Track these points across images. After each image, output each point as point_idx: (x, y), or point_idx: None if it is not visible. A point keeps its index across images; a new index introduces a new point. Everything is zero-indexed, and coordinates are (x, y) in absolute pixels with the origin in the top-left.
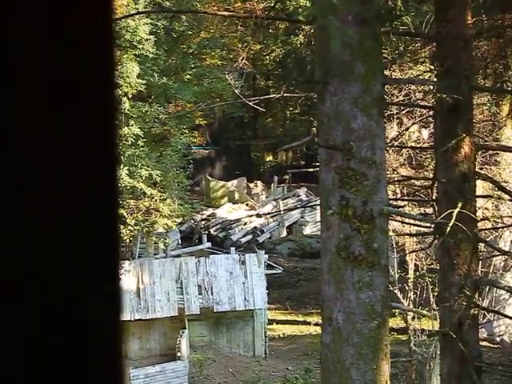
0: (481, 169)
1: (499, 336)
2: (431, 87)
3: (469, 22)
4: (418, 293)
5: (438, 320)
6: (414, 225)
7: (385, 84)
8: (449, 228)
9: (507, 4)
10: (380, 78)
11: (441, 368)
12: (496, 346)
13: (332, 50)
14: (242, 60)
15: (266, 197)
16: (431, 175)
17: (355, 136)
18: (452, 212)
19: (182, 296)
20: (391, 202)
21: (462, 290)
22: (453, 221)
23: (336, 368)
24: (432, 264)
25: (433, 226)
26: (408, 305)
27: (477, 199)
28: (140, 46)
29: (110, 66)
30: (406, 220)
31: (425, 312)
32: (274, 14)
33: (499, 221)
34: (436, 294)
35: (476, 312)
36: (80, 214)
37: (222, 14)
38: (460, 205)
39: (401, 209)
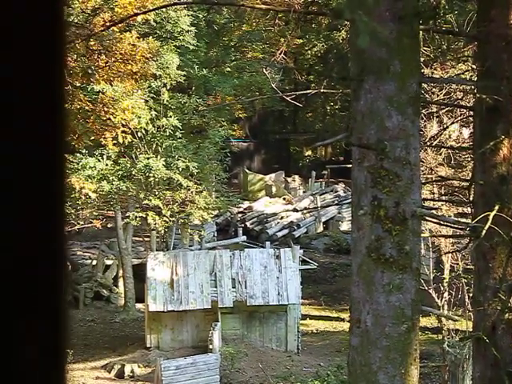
0: None
1: None
2: (472, 87)
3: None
4: (453, 293)
5: (472, 323)
6: (450, 226)
7: (421, 83)
8: (484, 231)
9: None
10: (417, 77)
11: (473, 372)
12: None
13: (360, 46)
14: (280, 54)
15: (304, 191)
16: (470, 175)
17: (389, 135)
18: (488, 215)
19: (215, 289)
20: (428, 201)
21: (496, 294)
22: (489, 224)
23: (363, 371)
24: (468, 265)
25: (468, 228)
26: (443, 305)
27: None
28: (181, 38)
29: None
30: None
31: (455, 317)
32: (316, 9)
33: None
34: (471, 295)
35: (510, 317)
36: None
37: (260, 7)
38: (497, 207)
39: (438, 209)
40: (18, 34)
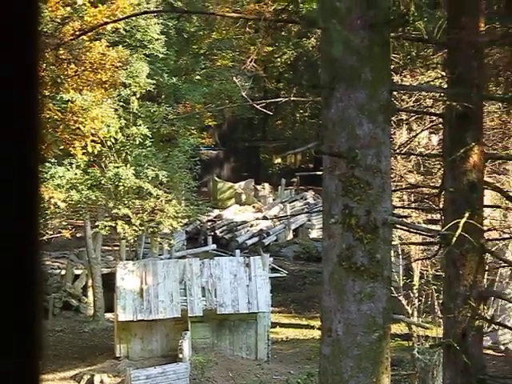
0: (489, 177)
1: (504, 345)
2: (442, 94)
3: (481, 29)
4: (423, 300)
5: (442, 330)
6: (421, 233)
7: (392, 91)
8: (455, 238)
9: None
10: (387, 85)
11: (443, 379)
12: (500, 354)
13: (334, 55)
14: (250, 62)
15: (274, 199)
16: (440, 183)
17: (360, 143)
18: (459, 222)
19: (185, 297)
20: (398, 209)
21: (467, 301)
22: (459, 231)
23: (334, 380)
24: (438, 271)
25: (438, 235)
26: (412, 312)
27: (484, 209)
28: (150, 46)
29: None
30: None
31: (427, 325)
32: (286, 17)
33: (507, 230)
34: (441, 301)
35: (481, 323)
36: None
37: (231, 15)
38: (467, 215)
39: (408, 216)
40: None
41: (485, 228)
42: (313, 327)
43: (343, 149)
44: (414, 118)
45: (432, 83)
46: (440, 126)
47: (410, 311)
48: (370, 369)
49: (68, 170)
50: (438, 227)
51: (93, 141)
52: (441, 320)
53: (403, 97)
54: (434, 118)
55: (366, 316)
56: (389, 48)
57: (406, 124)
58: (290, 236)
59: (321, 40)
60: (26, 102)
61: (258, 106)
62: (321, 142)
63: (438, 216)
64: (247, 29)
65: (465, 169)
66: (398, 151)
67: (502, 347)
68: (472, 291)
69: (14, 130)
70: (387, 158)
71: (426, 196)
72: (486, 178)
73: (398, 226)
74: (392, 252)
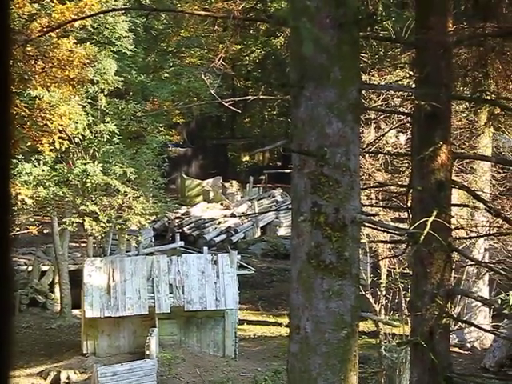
0: (457, 176)
1: (470, 343)
2: (410, 93)
3: (450, 29)
4: (390, 298)
5: (410, 328)
6: (389, 232)
7: (362, 90)
8: (423, 237)
9: (489, 12)
10: (357, 84)
11: (410, 377)
12: (467, 352)
13: (304, 53)
14: (219, 60)
15: (242, 197)
16: (407, 181)
17: (330, 142)
18: (426, 220)
19: (152, 294)
20: (366, 207)
21: (434, 299)
22: (427, 229)
23: (303, 378)
24: (405, 269)
25: (406, 234)
26: (380, 309)
27: (452, 207)
28: (118, 43)
29: None
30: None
31: (395, 323)
32: (255, 15)
33: (474, 229)
34: (408, 299)
35: (448, 322)
36: None
37: (199, 13)
38: (435, 213)
39: (376, 215)
40: None
41: (452, 227)
42: (280, 324)
43: (312, 147)
44: (382, 116)
45: (400, 82)
46: (408, 125)
47: (378, 309)
48: (337, 366)
49: (35, 166)
50: (405, 226)
51: (60, 137)
52: (407, 318)
53: (371, 96)
54: (402, 117)
55: (335, 314)
56: (358, 47)
57: (374, 123)
58: (258, 233)
59: (290, 39)
60: None
61: (226, 104)
62: (290, 141)
63: (405, 214)
64: (216, 27)
65: (433, 168)
66: (366, 150)
67: (469, 345)
68: (439, 289)
69: None
70: (356, 156)
71: (394, 194)
72: (453, 177)
73: (367, 224)
74: (360, 250)
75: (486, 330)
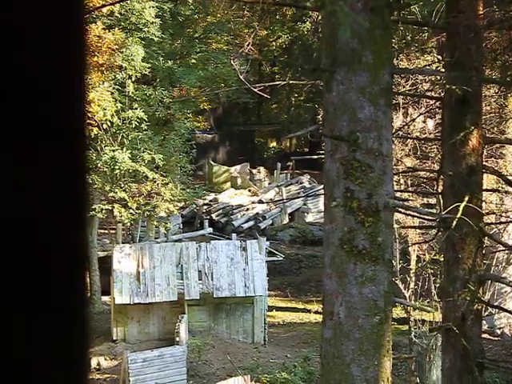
0: (486, 161)
1: (500, 329)
2: (438, 78)
3: (480, 12)
4: (420, 284)
5: (441, 314)
6: (418, 217)
7: (393, 74)
8: (455, 222)
9: None
10: (388, 68)
11: (442, 363)
12: (496, 338)
13: (340, 37)
14: (247, 46)
15: (269, 183)
16: (436, 166)
17: (362, 126)
18: (458, 205)
19: (181, 281)
20: (396, 193)
21: (466, 285)
22: (459, 214)
23: (336, 363)
24: (435, 255)
25: (438, 219)
26: (409, 295)
27: (482, 192)
28: (145, 29)
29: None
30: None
31: (428, 308)
32: (282, 0)
33: (504, 214)
34: (438, 285)
35: (479, 307)
36: None
37: None
38: (467, 198)
39: (406, 200)
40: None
41: (483, 212)
42: (309, 311)
43: (344, 132)
44: (410, 102)
45: (428, 67)
46: (437, 109)
47: (407, 295)
48: (371, 352)
49: None
50: (433, 211)
51: (89, 124)
52: (437, 304)
53: (400, 81)
54: (431, 101)
55: (368, 299)
56: (389, 31)
57: (403, 108)
58: (286, 220)
59: (323, 23)
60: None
61: (255, 90)
62: (322, 125)
63: (433, 200)
64: (245, 12)
65: (464, 152)
66: (395, 135)
67: (498, 331)
68: (471, 275)
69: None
70: (388, 141)
71: (424, 180)
72: (484, 163)
73: (400, 209)
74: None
75: None
